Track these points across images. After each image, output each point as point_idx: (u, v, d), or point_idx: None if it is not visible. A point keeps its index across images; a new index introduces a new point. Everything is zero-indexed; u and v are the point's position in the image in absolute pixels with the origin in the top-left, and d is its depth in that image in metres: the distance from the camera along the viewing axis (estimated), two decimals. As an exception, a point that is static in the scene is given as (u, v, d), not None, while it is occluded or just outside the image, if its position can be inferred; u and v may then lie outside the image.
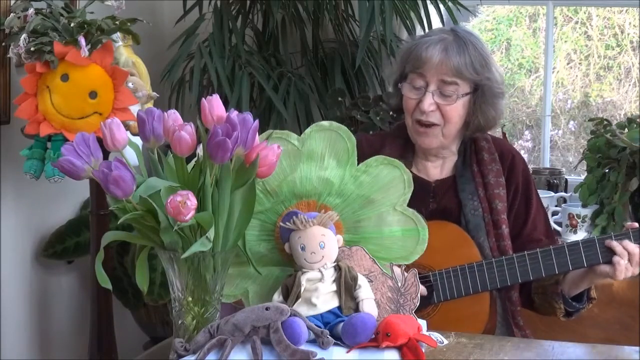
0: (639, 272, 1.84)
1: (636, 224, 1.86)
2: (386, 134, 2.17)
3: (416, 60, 1.96)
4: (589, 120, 2.94)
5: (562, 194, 3.02)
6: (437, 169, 2.06)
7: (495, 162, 2.02)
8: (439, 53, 1.93)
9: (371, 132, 2.77)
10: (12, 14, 2.33)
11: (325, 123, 1.61)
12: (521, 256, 1.86)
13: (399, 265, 1.57)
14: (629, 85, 3.71)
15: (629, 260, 1.80)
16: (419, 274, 1.55)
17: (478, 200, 1.99)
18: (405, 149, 2.05)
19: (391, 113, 2.72)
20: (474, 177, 2.01)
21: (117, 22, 2.34)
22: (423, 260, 1.59)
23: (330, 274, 1.49)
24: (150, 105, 2.41)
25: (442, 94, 1.95)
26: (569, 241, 1.92)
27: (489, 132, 2.09)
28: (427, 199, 2.01)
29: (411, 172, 1.62)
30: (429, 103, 1.94)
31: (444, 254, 1.87)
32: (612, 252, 1.82)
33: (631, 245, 1.81)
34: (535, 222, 2.03)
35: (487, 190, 1.99)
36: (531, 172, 3.04)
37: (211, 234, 1.37)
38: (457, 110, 1.96)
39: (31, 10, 2.31)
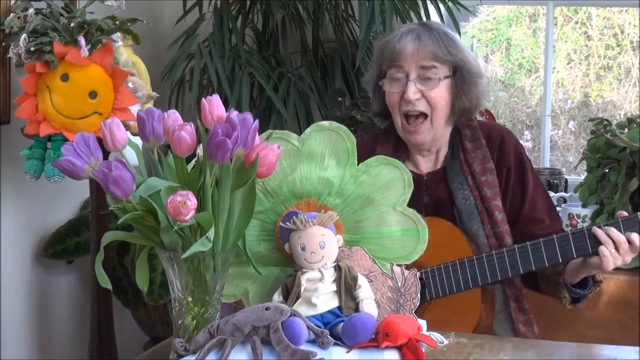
0: (630, 260, 1.81)
1: (625, 212, 1.84)
2: (379, 133, 2.17)
3: (391, 54, 1.98)
4: (589, 120, 2.93)
5: (562, 194, 3.02)
6: (430, 163, 2.07)
7: (481, 149, 2.01)
8: (412, 41, 1.96)
9: (371, 131, 2.77)
10: (12, 14, 2.33)
11: (325, 123, 1.61)
12: (511, 249, 1.85)
13: (399, 265, 1.57)
14: (629, 85, 3.71)
15: (616, 248, 1.78)
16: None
17: (468, 189, 1.99)
18: (398, 145, 2.06)
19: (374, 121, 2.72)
20: (462, 166, 2.02)
21: (117, 22, 2.34)
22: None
23: (330, 274, 1.49)
24: (150, 105, 2.41)
25: (423, 80, 1.96)
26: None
27: (476, 116, 2.09)
28: (421, 193, 2.01)
29: None
30: (413, 91, 1.95)
31: (435, 250, 1.86)
32: (600, 241, 1.79)
33: (615, 233, 1.78)
34: (534, 201, 2.01)
35: (475, 178, 1.99)
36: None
37: (211, 234, 1.37)
38: (441, 94, 1.97)
39: (31, 10, 2.31)
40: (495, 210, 1.97)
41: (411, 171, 1.94)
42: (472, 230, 1.96)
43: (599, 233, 1.79)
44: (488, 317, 1.95)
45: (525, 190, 2.01)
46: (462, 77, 1.98)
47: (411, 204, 1.60)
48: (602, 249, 1.78)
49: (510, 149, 2.03)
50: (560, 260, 1.83)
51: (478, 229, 1.96)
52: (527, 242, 1.84)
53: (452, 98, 1.99)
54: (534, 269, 1.85)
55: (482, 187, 1.98)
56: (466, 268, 1.86)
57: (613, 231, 1.79)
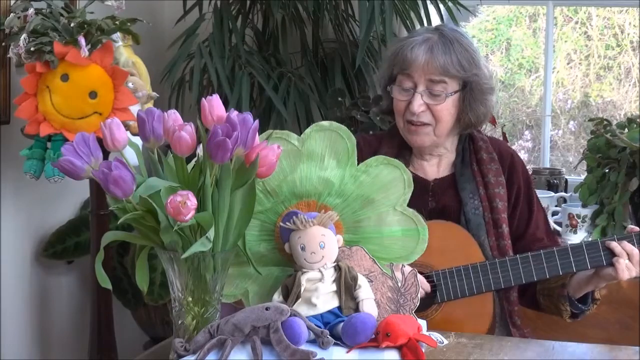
0: None
1: (637, 228, 1.88)
2: (383, 134, 2.17)
3: (403, 62, 1.97)
4: (589, 120, 2.94)
5: (562, 194, 3.02)
6: (434, 167, 2.06)
7: (494, 162, 2.03)
8: (424, 53, 1.94)
9: (371, 132, 2.77)
10: (12, 14, 2.33)
11: (325, 123, 1.61)
12: (525, 257, 1.86)
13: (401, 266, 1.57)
14: (629, 85, 3.71)
15: (629, 260, 1.82)
16: (422, 274, 1.55)
17: (479, 199, 1.99)
18: (402, 148, 2.05)
19: (379, 117, 2.72)
20: (474, 176, 2.02)
21: (117, 22, 2.34)
22: (426, 260, 1.59)
23: (330, 274, 1.49)
24: (150, 105, 2.41)
25: (431, 94, 1.95)
26: (569, 241, 1.93)
27: (486, 132, 2.10)
28: (426, 198, 2.01)
29: (409, 171, 1.62)
30: (418, 104, 1.95)
31: (448, 254, 1.87)
32: (613, 253, 1.83)
33: (629, 246, 1.83)
34: (537, 222, 2.04)
35: (488, 189, 2.00)
36: (531, 172, 3.07)
37: (211, 234, 1.37)
38: (447, 109, 1.96)
39: (31, 10, 2.31)
40: (503, 223, 1.98)
41: (417, 176, 1.95)
42: (479, 241, 1.96)
43: (614, 245, 1.83)
44: (492, 325, 1.95)
45: (532, 210, 2.04)
46: (471, 92, 1.97)
47: (415, 208, 1.60)
48: (616, 258, 1.82)
49: (520, 168, 2.05)
50: (575, 270, 1.86)
51: (484, 240, 1.96)
52: (541, 251, 1.86)
53: (458, 112, 1.98)
54: (547, 277, 1.87)
55: (494, 199, 1.99)
56: (479, 273, 1.86)
57: (627, 244, 1.83)
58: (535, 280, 1.88)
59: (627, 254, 1.82)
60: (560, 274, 1.86)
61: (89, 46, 2.27)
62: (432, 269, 1.87)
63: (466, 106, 1.97)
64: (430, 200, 2.02)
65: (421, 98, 1.95)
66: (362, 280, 1.50)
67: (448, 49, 1.94)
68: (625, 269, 1.82)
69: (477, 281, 1.86)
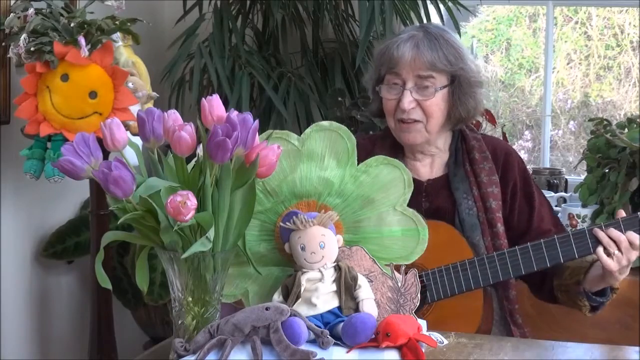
0: (635, 259, 1.81)
1: (623, 212, 1.84)
2: (376, 136, 2.18)
3: (390, 61, 1.97)
4: (589, 120, 2.93)
5: (562, 194, 3.02)
6: (427, 168, 2.06)
7: (487, 161, 2.02)
8: (411, 50, 1.95)
9: (371, 132, 2.77)
10: (12, 14, 2.33)
11: (325, 123, 1.61)
12: (512, 251, 1.86)
13: (399, 265, 1.57)
14: (629, 85, 3.71)
15: (618, 247, 1.79)
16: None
17: (472, 199, 1.99)
18: (395, 150, 2.05)
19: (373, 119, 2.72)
20: (467, 176, 2.02)
21: (117, 22, 2.34)
22: (417, 260, 1.59)
23: (330, 274, 1.49)
24: (150, 105, 2.41)
25: (420, 90, 1.96)
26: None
27: (486, 131, 2.09)
28: (420, 199, 2.01)
29: None
30: (408, 101, 1.95)
31: (437, 253, 1.86)
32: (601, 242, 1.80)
33: (615, 232, 1.79)
34: (541, 214, 2.02)
35: (481, 189, 2.00)
36: (531, 172, 3.07)
37: (211, 234, 1.37)
38: (437, 104, 1.96)
39: (31, 10, 2.31)
40: (497, 222, 1.97)
41: None
42: (473, 242, 1.95)
43: (601, 235, 1.80)
44: (487, 322, 1.95)
45: (533, 205, 2.02)
46: (459, 86, 1.97)
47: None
48: (599, 250, 1.79)
49: (515, 165, 2.04)
50: (562, 261, 1.84)
51: (479, 241, 1.96)
52: (528, 243, 1.85)
53: (449, 107, 1.98)
54: (535, 269, 1.85)
55: (488, 198, 1.98)
56: (467, 269, 1.86)
57: (613, 231, 1.80)
58: (523, 274, 1.87)
59: (614, 242, 1.79)
60: (548, 265, 1.84)
61: (89, 46, 2.27)
62: (422, 269, 1.86)
63: (456, 100, 1.98)
64: (424, 201, 2.02)
65: (410, 94, 1.95)
66: (362, 280, 1.50)
67: (434, 45, 1.95)
68: (608, 259, 1.77)
69: (466, 278, 1.86)
